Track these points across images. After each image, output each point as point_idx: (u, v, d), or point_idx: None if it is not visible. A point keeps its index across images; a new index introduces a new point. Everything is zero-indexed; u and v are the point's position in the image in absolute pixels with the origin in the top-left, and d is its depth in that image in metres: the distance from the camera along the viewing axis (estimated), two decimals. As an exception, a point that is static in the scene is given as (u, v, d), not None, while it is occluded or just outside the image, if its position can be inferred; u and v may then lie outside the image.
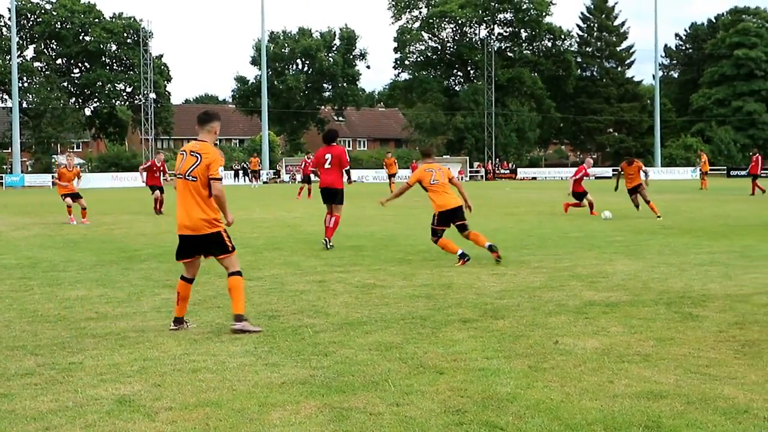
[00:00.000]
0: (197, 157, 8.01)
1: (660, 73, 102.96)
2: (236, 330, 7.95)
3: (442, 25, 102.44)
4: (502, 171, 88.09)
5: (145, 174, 27.99)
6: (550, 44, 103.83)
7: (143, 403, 5.81)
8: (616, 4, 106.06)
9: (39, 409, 5.71)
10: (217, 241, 8.12)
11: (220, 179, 8.07)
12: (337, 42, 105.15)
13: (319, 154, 16.38)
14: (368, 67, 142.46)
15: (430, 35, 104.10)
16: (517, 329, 8.10)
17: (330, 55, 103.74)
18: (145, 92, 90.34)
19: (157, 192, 27.48)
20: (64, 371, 6.73)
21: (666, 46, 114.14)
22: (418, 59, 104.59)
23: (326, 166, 16.09)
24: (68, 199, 24.31)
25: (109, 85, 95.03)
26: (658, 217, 22.10)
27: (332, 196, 16.05)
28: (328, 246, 15.58)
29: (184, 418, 5.47)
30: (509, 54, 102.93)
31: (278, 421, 5.39)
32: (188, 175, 8.02)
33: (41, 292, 10.99)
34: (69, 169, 24.96)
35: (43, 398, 5.97)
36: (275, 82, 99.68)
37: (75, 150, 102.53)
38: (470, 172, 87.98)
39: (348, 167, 16.57)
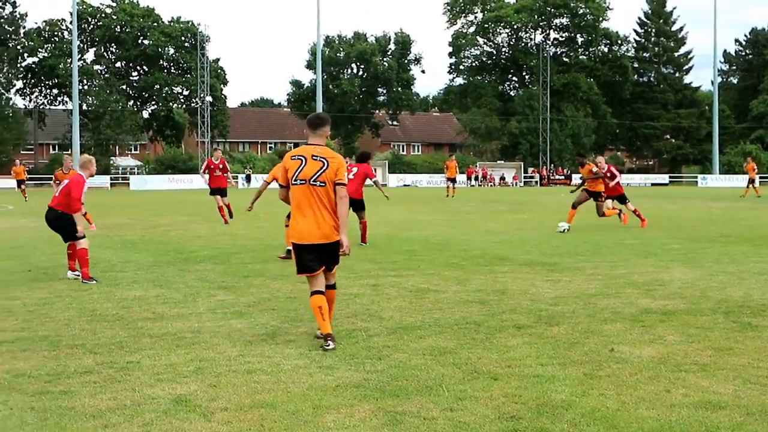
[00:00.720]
0: (323, 161, 7.68)
1: (719, 79, 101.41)
2: (330, 349, 7.43)
3: (498, 29, 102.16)
4: (557, 177, 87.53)
5: (207, 175, 24.98)
6: (606, 49, 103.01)
7: (199, 403, 5.87)
8: (674, 9, 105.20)
9: (98, 407, 5.80)
10: (337, 251, 7.81)
11: (346, 185, 7.79)
12: (392, 46, 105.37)
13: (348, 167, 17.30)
14: (423, 71, 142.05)
15: (485, 40, 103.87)
16: (572, 336, 8.04)
17: (385, 59, 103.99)
18: (202, 95, 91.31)
19: (219, 197, 24.21)
20: (122, 370, 6.82)
21: (725, 51, 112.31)
22: (473, 64, 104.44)
23: (350, 176, 17.05)
24: None
25: (166, 88, 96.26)
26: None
27: (355, 205, 16.91)
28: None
29: (239, 418, 5.52)
30: (565, 59, 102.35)
31: (332, 424, 5.41)
32: (315, 181, 7.64)
33: (100, 291, 11.16)
34: (65, 172, 22.59)
35: (102, 396, 6.06)
36: (330, 86, 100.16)
37: (133, 152, 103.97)
38: (524, 177, 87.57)
39: (375, 178, 18.29)
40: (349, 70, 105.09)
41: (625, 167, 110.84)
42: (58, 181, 22.67)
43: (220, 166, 24.51)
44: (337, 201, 7.71)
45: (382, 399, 5.93)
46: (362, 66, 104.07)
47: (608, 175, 22.25)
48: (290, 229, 7.72)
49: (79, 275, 12.30)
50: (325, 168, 7.66)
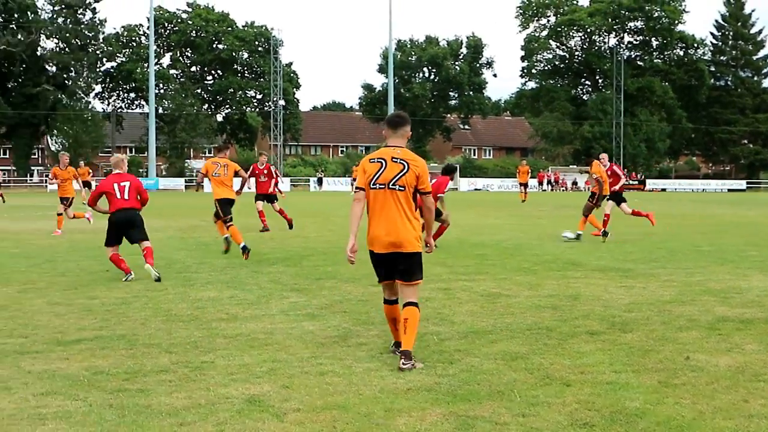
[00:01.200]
0: (403, 164, 7.15)
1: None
2: (406, 368, 6.89)
3: (571, 33, 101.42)
4: (631, 182, 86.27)
5: (253, 180, 23.89)
6: (681, 53, 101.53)
7: (272, 403, 5.93)
8: (753, 11, 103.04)
9: (173, 405, 5.89)
10: (417, 263, 7.30)
11: (430, 193, 7.42)
12: (463, 50, 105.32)
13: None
14: (495, 75, 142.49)
15: (558, 44, 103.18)
16: (646, 343, 7.92)
17: (456, 63, 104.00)
18: (275, 99, 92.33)
19: (260, 203, 23.60)
20: (196, 369, 6.93)
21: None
22: (546, 68, 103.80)
23: None
24: (60, 207, 22.41)
25: (240, 91, 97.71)
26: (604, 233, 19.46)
27: None
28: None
29: (311, 419, 5.56)
30: (639, 63, 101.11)
31: (404, 427, 5.42)
32: (394, 185, 7.11)
33: (175, 292, 11.34)
34: (62, 168, 22.91)
35: (177, 395, 6.15)
36: (402, 90, 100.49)
37: (207, 155, 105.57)
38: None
39: (442, 195, 17.55)
40: (421, 74, 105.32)
41: (701, 172, 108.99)
42: (56, 179, 22.88)
43: (265, 171, 23.96)
44: (425, 211, 7.40)
45: (453, 403, 5.92)
46: (434, 70, 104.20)
47: (608, 173, 20.61)
48: (368, 235, 7.25)
49: (153, 271, 12.56)
50: (405, 171, 7.14)
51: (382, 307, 7.64)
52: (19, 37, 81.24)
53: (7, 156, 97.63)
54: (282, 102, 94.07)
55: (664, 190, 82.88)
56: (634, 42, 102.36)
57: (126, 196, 12.91)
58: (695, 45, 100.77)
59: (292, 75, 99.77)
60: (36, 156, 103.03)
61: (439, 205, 17.56)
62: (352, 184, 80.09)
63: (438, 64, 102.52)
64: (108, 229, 12.94)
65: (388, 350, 7.57)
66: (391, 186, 7.12)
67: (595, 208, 20.04)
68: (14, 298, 10.79)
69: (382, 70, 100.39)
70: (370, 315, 9.42)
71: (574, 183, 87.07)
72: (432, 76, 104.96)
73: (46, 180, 73.99)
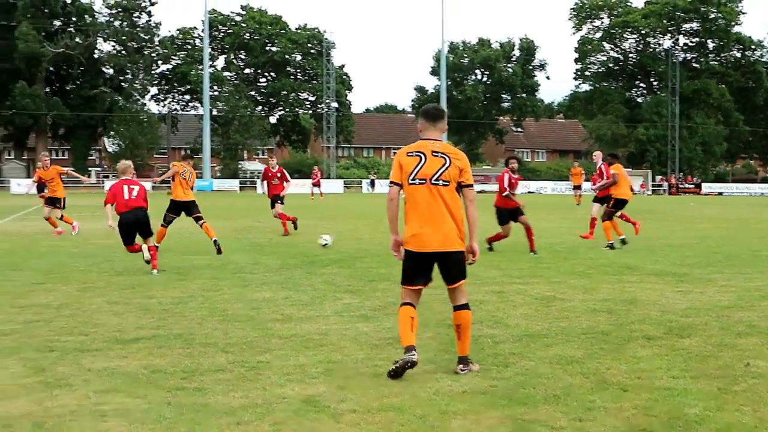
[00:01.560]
0: (445, 158, 6.80)
1: None
2: (463, 374, 6.80)
3: (625, 35, 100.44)
4: (686, 185, 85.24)
5: (266, 184, 23.44)
6: (739, 54, 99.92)
7: (328, 404, 5.95)
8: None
9: (230, 404, 5.95)
10: (461, 263, 6.91)
11: (473, 186, 7.01)
12: (516, 52, 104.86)
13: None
14: (548, 77, 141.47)
15: (612, 46, 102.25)
16: (704, 349, 7.82)
17: (509, 65, 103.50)
18: (327, 101, 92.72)
19: (278, 206, 22.37)
20: (253, 369, 6.98)
21: None
22: (599, 70, 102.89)
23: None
24: (46, 209, 22.25)
25: (293, 94, 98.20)
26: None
27: (512, 214, 17.59)
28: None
29: (367, 420, 5.57)
30: (695, 65, 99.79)
31: (460, 430, 5.41)
32: (437, 180, 6.76)
33: (230, 292, 11.44)
34: (45, 169, 22.51)
35: (234, 394, 6.21)
36: (454, 92, 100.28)
37: (260, 156, 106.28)
38: (652, 185, 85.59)
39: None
40: (474, 76, 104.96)
41: (758, 176, 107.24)
42: (40, 180, 22.75)
43: (278, 174, 23.14)
44: (468, 205, 6.88)
45: (509, 407, 5.90)
46: (486, 72, 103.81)
47: (598, 172, 20.06)
48: (407, 234, 6.88)
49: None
50: (447, 165, 6.78)
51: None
52: (77, 40, 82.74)
53: (66, 157, 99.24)
54: (334, 104, 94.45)
55: (720, 194, 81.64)
56: (690, 44, 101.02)
57: (134, 195, 13.80)
58: (752, 47, 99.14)
59: (344, 77, 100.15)
60: (93, 157, 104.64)
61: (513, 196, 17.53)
62: (373, 184, 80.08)
63: (490, 66, 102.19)
64: (120, 233, 13.88)
65: (404, 358, 6.72)
66: (433, 181, 6.77)
67: (615, 211, 19.29)
68: (74, 297, 10.98)
69: (435, 72, 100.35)
70: (424, 317, 9.37)
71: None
72: (484, 79, 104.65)
73: (102, 180, 75.09)
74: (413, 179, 6.80)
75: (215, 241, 16.54)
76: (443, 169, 6.77)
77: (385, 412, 5.76)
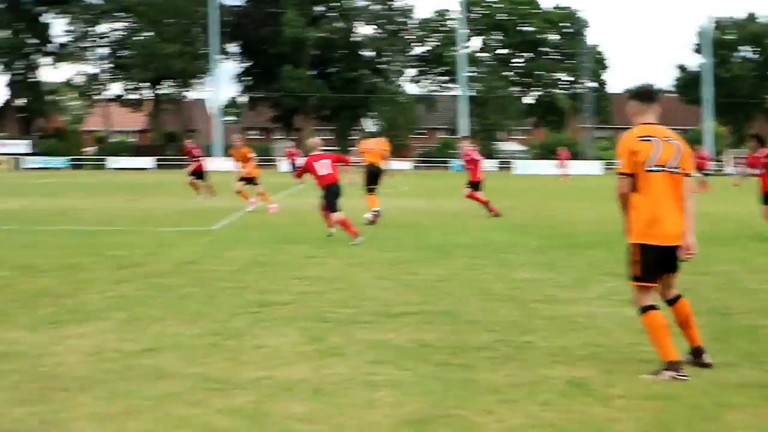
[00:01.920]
0: (676, 144, 6.40)
1: None
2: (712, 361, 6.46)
3: None
4: None
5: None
6: None
7: (595, 387, 5.87)
8: None
9: (496, 382, 6.00)
10: (676, 255, 6.47)
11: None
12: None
13: None
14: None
15: None
16: None
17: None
18: (583, 81, 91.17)
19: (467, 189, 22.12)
20: (517, 349, 7.00)
21: None
22: None
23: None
24: (238, 184, 23.31)
25: (549, 74, 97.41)
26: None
27: None
28: None
29: (637, 407, 5.45)
30: None
31: (737, 423, 5.17)
32: (675, 167, 6.32)
33: (492, 272, 11.50)
34: (237, 150, 23.89)
35: (500, 372, 6.26)
36: (718, 70, 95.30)
37: (517, 137, 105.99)
38: None
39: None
40: (740, 53, 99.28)
41: None
42: (239, 161, 23.88)
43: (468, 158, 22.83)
44: (687, 195, 6.36)
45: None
46: (757, 48, 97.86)
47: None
48: (646, 226, 6.27)
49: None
50: (680, 151, 6.36)
51: (649, 322, 6.32)
52: (338, 24, 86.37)
53: (333, 137, 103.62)
54: (591, 84, 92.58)
55: None
56: None
57: (327, 171, 15.20)
58: None
59: (599, 56, 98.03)
60: (356, 137, 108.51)
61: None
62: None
63: (760, 42, 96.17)
64: (323, 197, 15.42)
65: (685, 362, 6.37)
66: (671, 169, 6.30)
67: None
68: (344, 271, 11.46)
69: (698, 50, 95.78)
70: (694, 305, 9.04)
71: None
72: (754, 55, 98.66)
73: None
74: (651, 167, 6.29)
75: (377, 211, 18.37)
76: (678, 155, 6.34)
77: (656, 399, 5.61)
